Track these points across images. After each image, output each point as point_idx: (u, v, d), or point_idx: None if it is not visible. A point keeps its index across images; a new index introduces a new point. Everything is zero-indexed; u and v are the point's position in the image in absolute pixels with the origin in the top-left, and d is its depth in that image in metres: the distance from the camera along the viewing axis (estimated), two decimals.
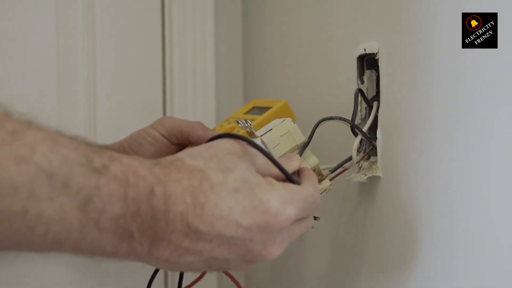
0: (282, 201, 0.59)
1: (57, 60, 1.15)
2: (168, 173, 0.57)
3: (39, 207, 0.51)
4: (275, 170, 0.63)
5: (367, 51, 0.77)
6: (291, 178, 0.63)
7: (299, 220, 0.62)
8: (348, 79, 0.82)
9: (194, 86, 1.22)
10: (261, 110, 0.93)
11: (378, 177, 0.76)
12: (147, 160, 0.57)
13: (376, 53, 0.75)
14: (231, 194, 0.58)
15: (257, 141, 0.71)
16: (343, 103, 0.85)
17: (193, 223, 0.56)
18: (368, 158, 0.78)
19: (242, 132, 0.87)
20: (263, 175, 0.62)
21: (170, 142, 0.87)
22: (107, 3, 1.18)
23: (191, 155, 0.60)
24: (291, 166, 0.67)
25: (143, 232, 0.55)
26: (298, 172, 0.67)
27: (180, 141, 0.87)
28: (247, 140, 0.63)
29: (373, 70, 0.79)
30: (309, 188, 0.63)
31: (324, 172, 0.75)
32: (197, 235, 0.56)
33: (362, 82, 0.80)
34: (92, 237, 0.54)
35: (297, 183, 0.63)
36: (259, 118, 0.88)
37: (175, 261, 0.58)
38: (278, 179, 0.62)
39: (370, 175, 0.76)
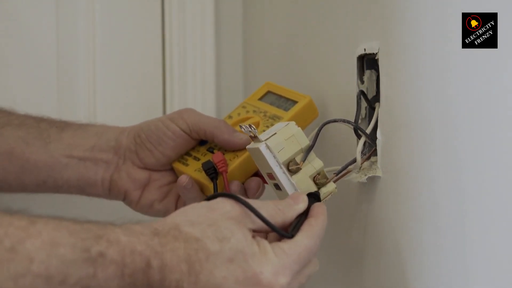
0: (274, 272, 0.61)
1: (57, 60, 1.15)
2: (165, 243, 0.59)
3: None
4: (277, 220, 0.65)
5: (367, 51, 0.77)
6: (281, 233, 0.65)
7: (297, 272, 0.64)
8: (348, 79, 0.82)
9: (194, 86, 1.22)
10: (278, 98, 0.90)
11: (378, 177, 0.76)
12: (145, 231, 0.60)
13: (376, 53, 0.75)
14: (225, 264, 0.60)
15: (262, 146, 0.71)
16: (343, 103, 0.84)
17: None
18: (368, 158, 0.78)
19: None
20: (264, 230, 0.64)
21: (191, 137, 0.86)
22: (107, 3, 1.18)
23: (190, 221, 0.62)
24: (295, 210, 0.68)
25: None
26: (307, 212, 0.69)
27: (202, 138, 0.86)
28: (245, 203, 0.64)
29: (373, 70, 0.79)
30: (303, 241, 0.65)
31: (329, 175, 0.75)
32: None
33: (362, 82, 0.79)
34: None
35: (288, 236, 0.65)
36: (286, 116, 0.86)
37: None
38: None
39: (370, 175, 0.76)
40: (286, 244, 0.64)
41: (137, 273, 0.58)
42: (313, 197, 0.71)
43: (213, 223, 0.62)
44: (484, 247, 0.61)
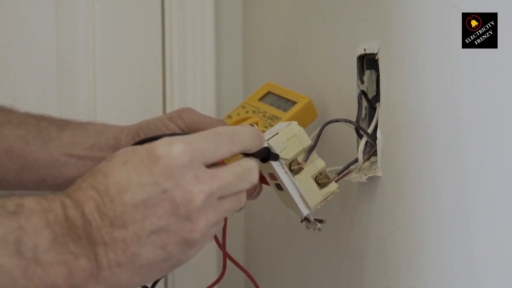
0: (167, 143, 0.60)
1: (57, 60, 1.15)
2: (68, 188, 0.60)
3: None
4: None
5: (367, 51, 0.77)
6: (179, 133, 0.64)
7: (232, 163, 0.63)
8: (348, 79, 0.82)
9: (194, 86, 1.22)
10: (278, 99, 0.90)
11: (378, 177, 0.76)
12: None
13: (376, 53, 0.75)
14: (122, 168, 0.59)
15: (263, 145, 0.71)
16: (343, 103, 0.85)
17: (109, 211, 0.58)
18: (368, 158, 0.78)
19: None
20: None
21: None
22: (107, 3, 1.18)
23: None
24: None
25: (79, 245, 0.57)
26: None
27: None
28: (142, 140, 0.64)
29: (373, 70, 0.79)
30: (216, 128, 0.64)
31: (331, 175, 0.75)
32: (119, 219, 0.58)
33: (362, 82, 0.80)
34: (38, 277, 0.55)
35: (187, 133, 0.64)
36: (285, 116, 0.86)
37: (127, 259, 0.58)
38: None
39: (370, 175, 0.76)
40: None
41: (61, 220, 0.57)
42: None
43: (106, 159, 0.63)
44: (486, 247, 0.61)
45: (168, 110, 1.21)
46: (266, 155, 0.69)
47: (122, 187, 0.58)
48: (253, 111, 0.90)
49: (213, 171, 0.61)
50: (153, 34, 1.21)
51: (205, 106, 1.22)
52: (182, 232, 0.59)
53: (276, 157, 0.70)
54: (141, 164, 0.59)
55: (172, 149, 0.59)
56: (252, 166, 0.64)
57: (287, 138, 0.72)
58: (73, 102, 1.16)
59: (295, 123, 0.73)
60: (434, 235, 0.67)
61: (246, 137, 0.65)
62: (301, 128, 0.73)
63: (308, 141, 0.73)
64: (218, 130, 0.63)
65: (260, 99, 0.92)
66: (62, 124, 0.89)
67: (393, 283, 0.74)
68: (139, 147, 0.61)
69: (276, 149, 0.71)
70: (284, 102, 0.89)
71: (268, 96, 0.92)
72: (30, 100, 1.14)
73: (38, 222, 0.56)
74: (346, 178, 0.77)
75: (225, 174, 0.62)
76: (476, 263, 0.62)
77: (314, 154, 0.73)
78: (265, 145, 0.71)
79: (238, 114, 0.90)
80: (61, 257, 0.56)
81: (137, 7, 1.21)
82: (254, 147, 0.66)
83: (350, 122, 0.77)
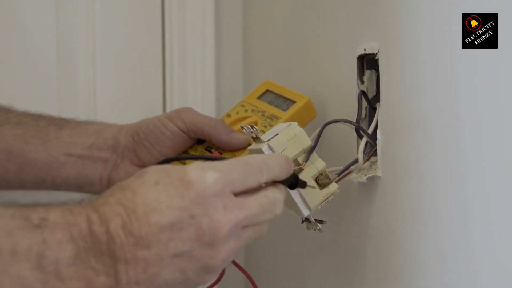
0: (200, 169, 0.60)
1: (57, 60, 1.15)
2: (94, 201, 0.59)
3: None
4: None
5: (367, 51, 0.77)
6: (212, 158, 0.65)
7: (256, 191, 0.63)
8: (348, 79, 0.82)
9: (194, 86, 1.22)
10: (277, 97, 0.90)
11: (378, 177, 0.76)
12: (72, 204, 0.60)
13: (376, 53, 0.75)
14: (152, 188, 0.59)
15: (264, 146, 0.71)
16: (343, 103, 0.85)
17: (134, 230, 0.57)
18: (368, 158, 0.78)
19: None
20: None
21: (189, 136, 0.86)
22: (107, 3, 1.18)
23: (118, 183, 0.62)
24: None
25: (101, 261, 0.57)
26: None
27: (200, 137, 0.86)
28: (169, 159, 0.66)
29: (373, 70, 0.79)
30: (246, 156, 0.64)
31: (331, 175, 0.75)
32: (144, 239, 0.57)
33: (362, 82, 0.79)
34: None
35: (220, 159, 0.64)
36: (284, 116, 0.86)
37: (146, 279, 0.58)
38: None
39: (370, 175, 0.76)
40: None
41: (85, 234, 0.57)
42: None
43: (135, 174, 0.62)
44: (484, 247, 0.61)
45: (168, 110, 1.21)
46: (294, 182, 0.69)
47: (150, 207, 0.58)
48: (252, 110, 0.89)
49: (241, 200, 0.61)
50: (153, 34, 1.21)
51: (205, 106, 1.22)
52: (204, 258, 0.60)
53: (303, 185, 0.71)
54: (173, 187, 0.59)
55: (205, 176, 0.59)
56: (278, 198, 0.65)
57: (287, 139, 0.72)
58: (73, 102, 1.16)
59: (295, 123, 0.73)
60: (433, 235, 0.67)
61: (274, 167, 0.65)
62: (301, 128, 0.73)
63: (308, 142, 0.73)
64: (249, 160, 0.63)
65: (259, 97, 0.91)
66: (61, 123, 0.89)
67: (393, 283, 0.74)
68: (171, 168, 0.61)
69: (277, 150, 0.71)
70: (282, 101, 0.89)
71: (267, 95, 0.91)
72: (30, 99, 1.14)
73: (62, 236, 0.56)
74: (346, 178, 0.77)
75: (251, 204, 0.62)
76: (475, 263, 0.62)
77: (314, 154, 0.73)
78: (266, 146, 0.71)
79: (237, 113, 0.90)
80: (81, 272, 0.56)
81: (137, 7, 1.21)
82: (282, 177, 0.66)
83: (350, 122, 0.77)
